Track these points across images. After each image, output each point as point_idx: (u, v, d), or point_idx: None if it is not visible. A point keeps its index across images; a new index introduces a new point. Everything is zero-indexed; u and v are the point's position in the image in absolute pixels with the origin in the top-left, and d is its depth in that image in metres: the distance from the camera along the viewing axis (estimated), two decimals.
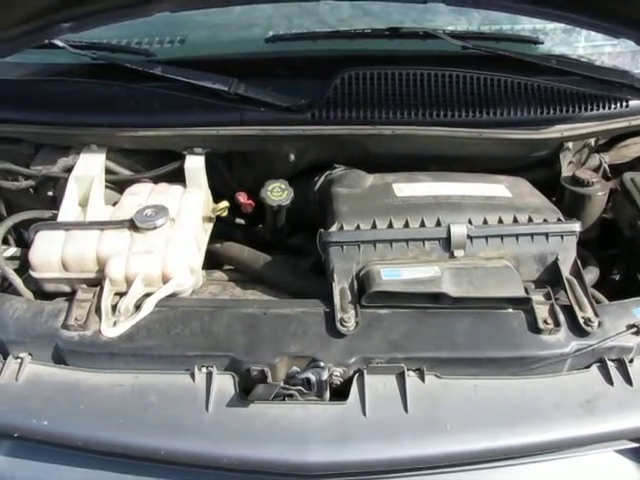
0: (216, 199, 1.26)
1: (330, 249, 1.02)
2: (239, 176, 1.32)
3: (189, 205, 1.15)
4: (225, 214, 1.21)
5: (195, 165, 1.21)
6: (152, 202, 1.14)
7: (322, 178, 1.24)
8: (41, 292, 1.09)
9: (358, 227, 1.03)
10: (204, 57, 1.32)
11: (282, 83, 1.24)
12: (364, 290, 0.98)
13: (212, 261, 1.23)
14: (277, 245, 1.30)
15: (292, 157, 1.23)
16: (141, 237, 1.06)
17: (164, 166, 1.24)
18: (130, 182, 1.24)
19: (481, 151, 1.22)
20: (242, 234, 1.33)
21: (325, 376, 0.87)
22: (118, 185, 1.26)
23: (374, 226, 1.03)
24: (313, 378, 0.87)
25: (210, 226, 1.20)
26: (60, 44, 1.28)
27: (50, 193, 1.27)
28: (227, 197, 1.24)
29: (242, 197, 1.22)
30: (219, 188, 1.30)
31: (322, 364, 0.88)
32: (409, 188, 1.14)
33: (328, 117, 1.19)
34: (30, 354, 0.95)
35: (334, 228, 1.03)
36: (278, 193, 1.16)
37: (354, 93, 1.20)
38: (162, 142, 1.21)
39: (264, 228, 1.29)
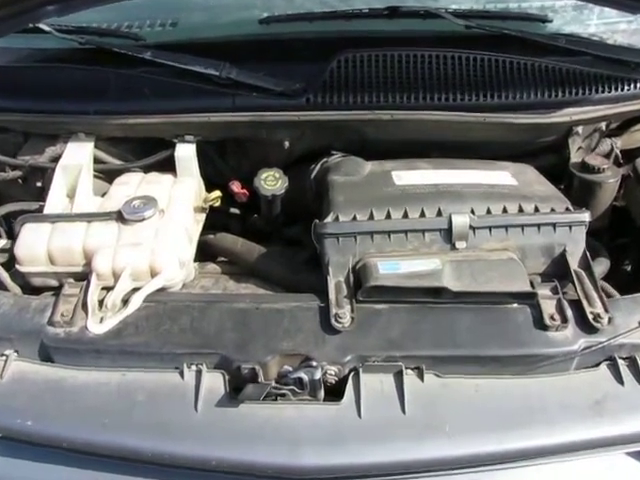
0: (210, 188, 1.21)
1: (325, 241, 0.97)
2: (233, 164, 1.27)
3: (180, 195, 1.11)
4: (218, 204, 1.16)
5: (186, 154, 1.16)
6: (142, 192, 1.10)
7: (318, 166, 1.19)
8: (29, 286, 1.06)
9: (355, 218, 0.98)
10: (195, 40, 1.26)
11: (276, 67, 1.19)
12: (361, 284, 0.93)
13: (205, 253, 1.19)
14: (274, 235, 1.26)
15: (286, 144, 1.18)
16: (129, 229, 1.02)
17: (154, 155, 1.19)
18: (120, 172, 1.20)
19: (485, 137, 1.16)
20: (238, 224, 1.28)
21: (318, 376, 0.83)
22: (108, 175, 1.22)
23: (371, 217, 0.98)
24: (305, 378, 0.83)
25: (202, 217, 1.16)
26: (46, 28, 1.23)
27: (39, 184, 1.23)
28: (221, 186, 1.20)
29: (236, 186, 1.18)
30: (213, 177, 1.25)
31: (314, 363, 0.84)
32: (409, 176, 1.08)
33: (324, 102, 1.14)
34: (16, 351, 0.92)
35: (329, 219, 0.99)
36: (272, 182, 1.12)
37: (351, 76, 1.14)
38: (151, 130, 1.17)
39: (259, 218, 1.25)
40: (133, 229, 1.02)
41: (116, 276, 0.98)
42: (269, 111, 1.13)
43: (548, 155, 1.23)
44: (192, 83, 1.15)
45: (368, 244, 0.97)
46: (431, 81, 1.14)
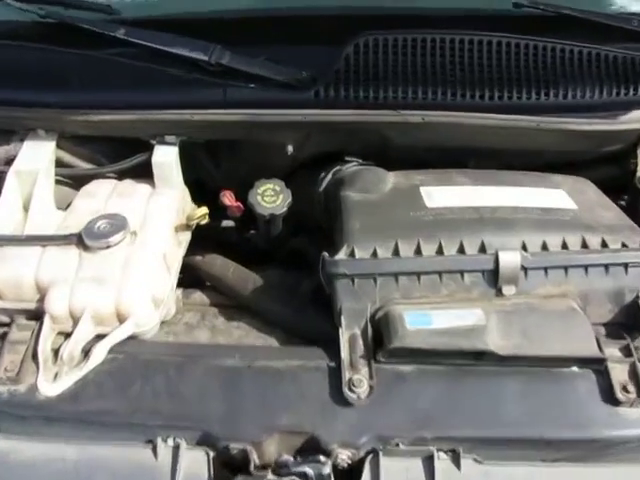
0: (200, 195, 1.01)
1: (337, 283, 0.77)
2: (228, 170, 1.06)
3: (157, 212, 0.91)
4: (205, 221, 0.96)
5: (165, 159, 0.95)
6: (111, 206, 0.91)
7: (329, 175, 0.99)
8: None
9: (375, 253, 0.78)
10: (180, 17, 1.04)
11: (278, 51, 0.98)
12: (381, 339, 0.74)
13: (191, 275, 0.99)
14: (275, 252, 1.07)
15: (290, 149, 0.97)
16: (92, 258, 0.82)
17: (129, 158, 0.98)
18: (89, 177, 1.00)
19: (536, 144, 0.95)
20: (233, 238, 1.09)
21: (327, 470, 0.65)
22: (75, 180, 1.01)
23: (396, 251, 0.78)
24: (311, 473, 0.65)
25: (187, 236, 0.96)
26: None
27: None
28: (213, 193, 0.99)
29: (228, 199, 0.97)
30: (204, 183, 1.05)
31: (323, 459, 0.66)
32: (442, 194, 0.88)
33: (337, 97, 0.92)
34: None
35: (342, 254, 0.78)
36: (271, 198, 0.91)
37: (372, 65, 0.92)
38: (123, 128, 0.95)
39: (257, 236, 1.05)
40: (97, 258, 0.82)
41: (75, 319, 0.79)
42: (268, 108, 0.91)
43: (607, 166, 1.02)
44: (174, 70, 0.94)
45: (391, 288, 0.77)
46: (472, 74, 0.92)
